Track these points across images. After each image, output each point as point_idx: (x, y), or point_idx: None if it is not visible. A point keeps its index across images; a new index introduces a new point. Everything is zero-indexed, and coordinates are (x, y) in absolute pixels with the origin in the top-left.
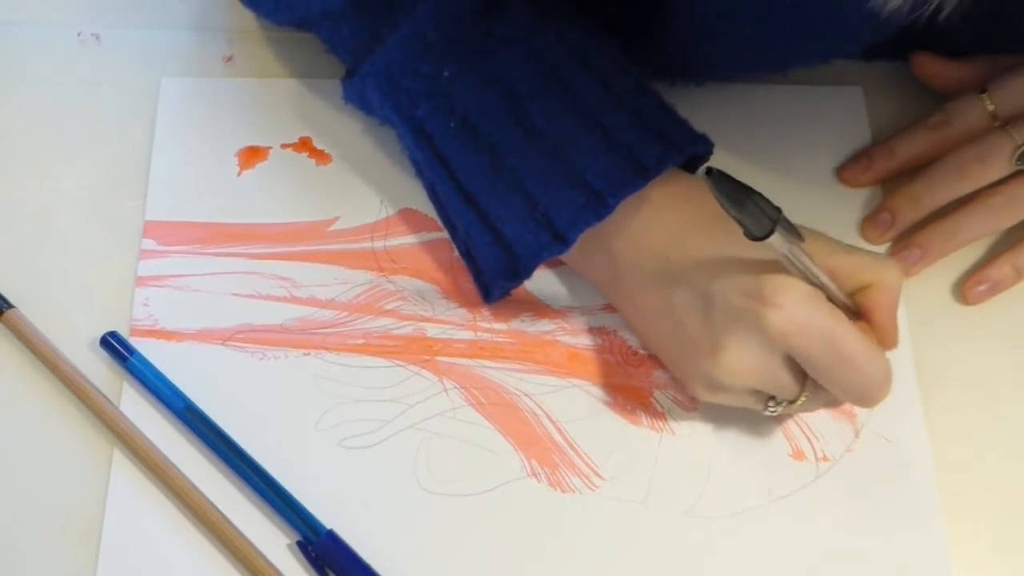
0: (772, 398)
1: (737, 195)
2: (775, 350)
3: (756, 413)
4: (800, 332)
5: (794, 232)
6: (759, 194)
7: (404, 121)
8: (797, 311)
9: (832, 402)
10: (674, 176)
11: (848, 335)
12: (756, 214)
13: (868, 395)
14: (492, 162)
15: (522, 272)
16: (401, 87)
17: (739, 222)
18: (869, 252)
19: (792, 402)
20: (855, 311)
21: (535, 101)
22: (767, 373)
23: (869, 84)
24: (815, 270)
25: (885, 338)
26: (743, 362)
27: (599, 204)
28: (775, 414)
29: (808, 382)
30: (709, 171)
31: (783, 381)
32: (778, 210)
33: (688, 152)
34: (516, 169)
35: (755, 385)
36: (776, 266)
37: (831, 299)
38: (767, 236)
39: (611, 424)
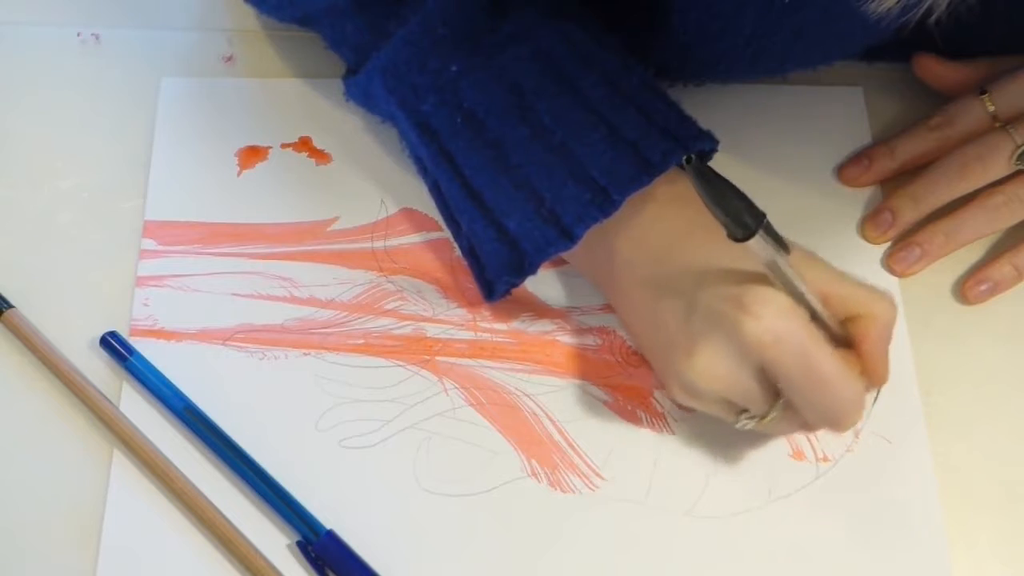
0: (745, 411)
1: (718, 191)
2: (748, 359)
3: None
4: (775, 344)
5: (780, 242)
6: (745, 196)
7: (409, 116)
8: (775, 323)
9: (805, 425)
10: (679, 175)
11: (823, 354)
12: (738, 214)
13: (837, 419)
14: (498, 158)
15: (528, 268)
16: (407, 82)
17: (718, 219)
18: (865, 283)
19: (763, 418)
20: (844, 339)
21: (541, 98)
22: (738, 382)
23: (869, 85)
24: (800, 287)
25: (873, 371)
26: (715, 367)
27: (605, 200)
28: (746, 428)
29: (779, 400)
30: (689, 160)
31: (753, 393)
32: (762, 215)
33: (694, 149)
34: (522, 165)
35: (724, 393)
36: (765, 279)
37: (816, 319)
38: (747, 238)
39: (611, 424)
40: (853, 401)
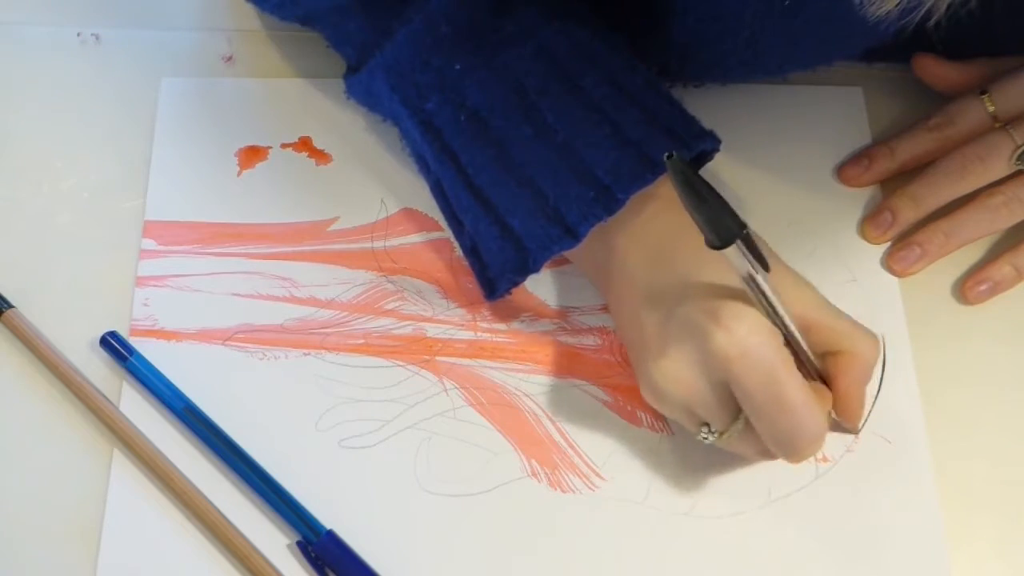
0: (707, 424)
1: (698, 194)
2: (713, 372)
3: None
4: (741, 359)
5: (760, 258)
6: (726, 204)
7: (412, 114)
8: (745, 339)
9: (764, 452)
10: None
11: (790, 379)
12: (716, 221)
13: (794, 446)
14: (501, 156)
15: (531, 266)
16: (410, 80)
17: (696, 223)
18: (852, 320)
19: (722, 434)
20: (819, 372)
21: (544, 96)
22: (699, 392)
23: (869, 85)
24: (779, 308)
25: (845, 409)
26: (679, 372)
27: (609, 199)
28: (706, 442)
29: (739, 419)
30: (670, 156)
31: (711, 406)
32: (743, 226)
33: (697, 148)
34: (525, 164)
35: (685, 401)
36: (748, 297)
37: (791, 344)
38: (724, 247)
39: (611, 424)
40: (813, 432)
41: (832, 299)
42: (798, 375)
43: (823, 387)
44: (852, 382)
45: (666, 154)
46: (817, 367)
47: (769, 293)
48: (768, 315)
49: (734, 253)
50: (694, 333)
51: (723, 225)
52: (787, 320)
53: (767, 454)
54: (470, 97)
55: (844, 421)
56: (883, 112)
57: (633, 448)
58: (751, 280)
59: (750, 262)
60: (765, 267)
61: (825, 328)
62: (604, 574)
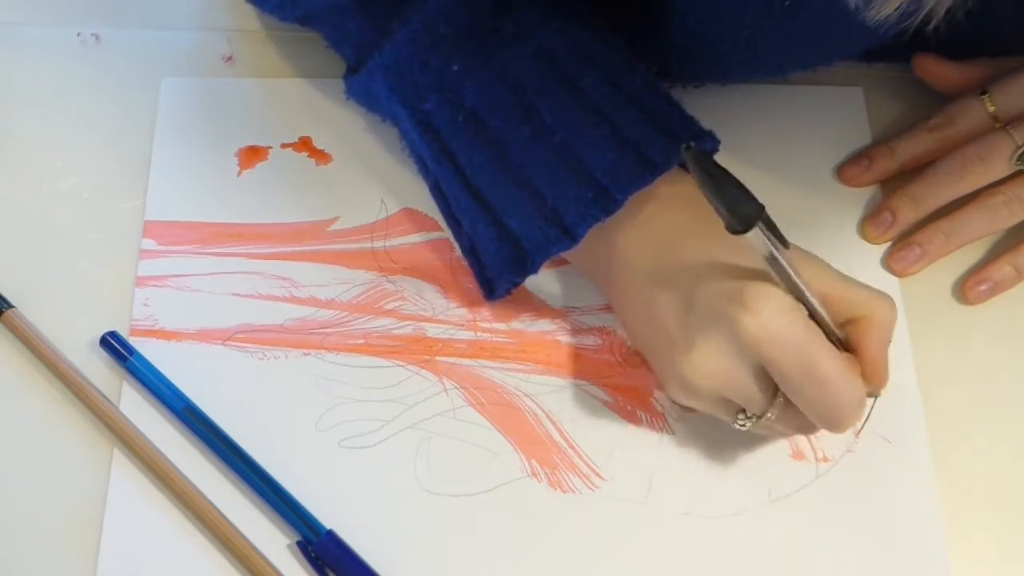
0: (743, 411)
1: (717, 181)
2: (746, 357)
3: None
4: (772, 340)
5: (779, 237)
6: (744, 187)
7: (411, 115)
8: (773, 320)
9: (805, 426)
10: (681, 176)
11: (823, 353)
12: (737, 205)
13: (835, 418)
14: (499, 157)
15: (530, 267)
16: (409, 80)
17: (716, 210)
18: (866, 286)
19: (760, 417)
20: (843, 341)
21: (543, 97)
22: (735, 380)
23: (869, 85)
24: (800, 283)
25: (872, 373)
26: (713, 364)
27: (607, 199)
28: (745, 428)
29: (777, 400)
30: (688, 147)
31: (750, 391)
32: (761, 207)
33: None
34: (523, 164)
35: (722, 391)
36: (765, 276)
37: (815, 318)
38: (746, 230)
39: (611, 424)
40: (853, 402)
41: None
42: (830, 347)
43: (851, 355)
44: (875, 346)
45: (684, 145)
46: (840, 337)
47: (791, 271)
48: (791, 292)
49: (755, 235)
50: (719, 321)
51: (744, 209)
52: (809, 295)
53: (803, 429)
54: (469, 97)
55: (872, 386)
56: (883, 112)
57: (633, 448)
58: (773, 259)
59: (771, 242)
60: (785, 244)
61: (842, 298)
62: (604, 574)
